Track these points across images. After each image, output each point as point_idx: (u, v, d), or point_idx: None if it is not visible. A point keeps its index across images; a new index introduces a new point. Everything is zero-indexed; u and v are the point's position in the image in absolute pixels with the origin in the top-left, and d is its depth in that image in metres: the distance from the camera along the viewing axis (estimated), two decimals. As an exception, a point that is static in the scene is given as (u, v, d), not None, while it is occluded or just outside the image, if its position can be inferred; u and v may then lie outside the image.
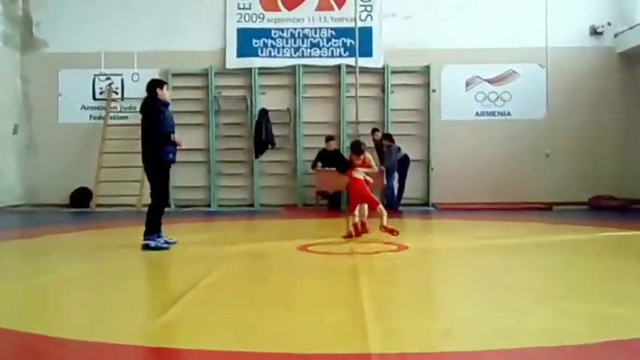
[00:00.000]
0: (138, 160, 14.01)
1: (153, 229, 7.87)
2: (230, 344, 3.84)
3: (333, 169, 13.39)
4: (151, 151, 7.88)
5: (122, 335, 4.01)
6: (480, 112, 14.65)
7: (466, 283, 5.97)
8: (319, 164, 13.64)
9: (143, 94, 14.19)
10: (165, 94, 8.12)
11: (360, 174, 8.90)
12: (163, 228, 8.06)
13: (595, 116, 14.35)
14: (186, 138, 14.23)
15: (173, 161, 8.07)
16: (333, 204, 13.88)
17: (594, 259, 7.27)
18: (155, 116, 7.87)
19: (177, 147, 8.04)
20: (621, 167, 14.20)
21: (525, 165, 14.35)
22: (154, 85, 8.15)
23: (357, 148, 9.11)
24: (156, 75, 14.62)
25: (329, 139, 13.90)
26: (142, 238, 7.84)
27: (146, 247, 7.74)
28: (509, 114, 14.61)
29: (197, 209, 14.31)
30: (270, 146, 14.32)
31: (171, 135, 7.93)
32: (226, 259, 7.20)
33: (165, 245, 7.86)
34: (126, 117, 14.85)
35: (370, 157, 9.44)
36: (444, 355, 3.67)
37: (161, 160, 7.89)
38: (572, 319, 4.42)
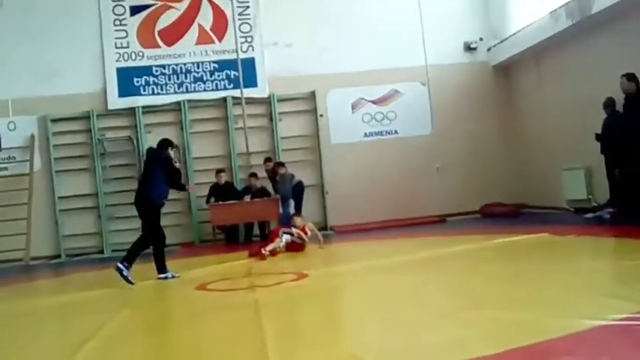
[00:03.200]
0: (22, 212, 13.69)
1: (163, 264, 8.63)
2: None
3: (228, 202, 13.30)
4: (153, 195, 8.64)
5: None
6: (368, 133, 14.88)
7: (368, 305, 5.93)
8: (212, 199, 13.45)
9: (21, 143, 14.00)
10: (173, 153, 8.99)
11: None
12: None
13: (478, 127, 14.86)
14: (71, 184, 14.08)
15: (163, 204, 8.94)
16: (231, 237, 13.68)
17: (489, 265, 7.45)
18: (173, 164, 8.86)
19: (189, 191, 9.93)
20: (508, 174, 14.76)
21: (417, 181, 14.65)
22: (166, 145, 8.93)
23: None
24: (34, 122, 14.11)
25: (219, 171, 13.76)
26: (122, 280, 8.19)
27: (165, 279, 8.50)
28: (396, 132, 14.91)
29: (89, 257, 13.74)
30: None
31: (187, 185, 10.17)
32: (122, 307, 6.90)
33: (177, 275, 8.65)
34: (5, 168, 14.10)
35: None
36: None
37: (160, 204, 8.80)
38: (473, 329, 4.47)
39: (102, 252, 14.07)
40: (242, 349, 4.51)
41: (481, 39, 15.04)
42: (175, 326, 5.75)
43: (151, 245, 8.69)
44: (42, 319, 6.72)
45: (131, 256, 8.42)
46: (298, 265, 8.39)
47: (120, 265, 8.25)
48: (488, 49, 14.94)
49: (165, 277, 8.52)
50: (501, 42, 14.43)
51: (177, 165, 9.19)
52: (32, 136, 14.11)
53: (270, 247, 10.17)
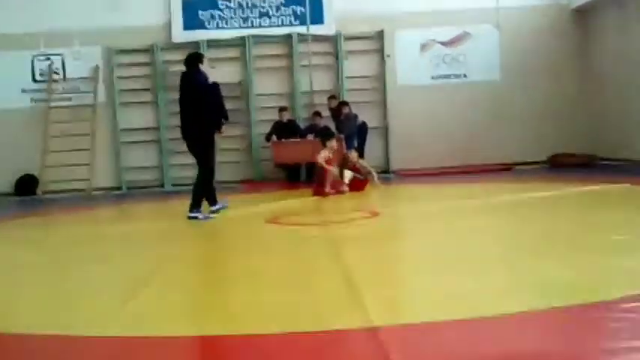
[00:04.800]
0: (85, 142, 13.74)
1: (200, 202, 7.82)
2: (221, 328, 3.45)
3: (290, 140, 13.10)
4: (204, 126, 7.84)
5: (89, 326, 3.56)
6: (436, 76, 14.41)
7: (453, 244, 5.63)
8: (274, 137, 13.24)
9: (85, 73, 13.98)
10: (206, 68, 7.94)
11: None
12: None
13: (551, 74, 14.23)
14: (134, 116, 14.04)
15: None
16: (292, 176, 13.51)
17: (573, 213, 7.11)
18: (212, 88, 7.83)
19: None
20: (580, 123, 14.15)
21: (484, 127, 14.16)
22: (195, 59, 7.92)
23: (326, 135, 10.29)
24: (99, 53, 14.04)
25: (282, 109, 13.52)
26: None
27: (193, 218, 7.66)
28: (465, 76, 14.40)
29: (150, 190, 13.76)
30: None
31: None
32: (190, 237, 6.79)
33: (212, 216, 7.84)
34: (70, 98, 14.10)
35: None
36: (455, 322, 3.33)
37: (212, 134, 7.99)
38: (577, 271, 4.18)
39: (162, 185, 14.07)
40: (326, 281, 4.32)
41: (562, -21, 14.28)
42: (253, 258, 5.54)
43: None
44: (106, 246, 6.64)
45: (196, 201, 7.81)
46: (368, 204, 8.16)
47: (191, 215, 7.68)
48: (569, -9, 14.19)
49: (196, 217, 7.69)
50: (584, -17, 13.66)
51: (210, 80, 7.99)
52: (96, 67, 14.04)
53: (329, 187, 9.92)
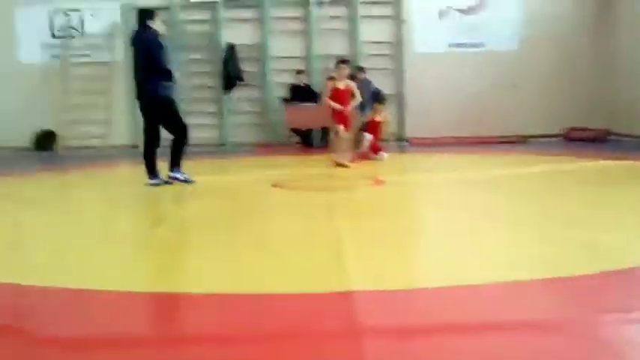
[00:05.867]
0: (103, 99, 13.88)
1: (177, 162, 7.65)
2: (208, 286, 3.59)
3: (305, 104, 13.13)
4: (150, 89, 7.39)
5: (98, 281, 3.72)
6: (453, 44, 14.30)
7: (447, 217, 5.71)
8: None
9: (104, 30, 14.08)
10: (159, 25, 7.53)
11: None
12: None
13: (568, 45, 14.02)
14: None
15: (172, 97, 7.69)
16: (306, 141, 13.58)
17: (579, 187, 7.14)
18: (158, 49, 7.33)
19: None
20: (596, 97, 13.99)
21: (500, 98, 14.06)
22: (145, 17, 7.49)
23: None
24: (117, 10, 14.09)
25: (299, 72, 13.55)
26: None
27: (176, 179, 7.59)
28: (482, 45, 14.28)
29: (165, 149, 13.86)
30: (238, 82, 13.89)
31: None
32: (197, 197, 6.93)
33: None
34: (88, 55, 14.23)
35: (354, 85, 9.49)
36: (432, 290, 3.44)
37: (166, 96, 7.49)
38: (565, 247, 4.26)
39: (177, 145, 14.17)
40: (318, 250, 4.42)
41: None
42: (249, 220, 5.69)
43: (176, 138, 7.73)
44: (117, 205, 6.82)
45: (174, 160, 7.68)
46: (374, 172, 8.21)
47: (171, 175, 7.61)
48: (590, -41, 13.93)
49: (176, 178, 7.60)
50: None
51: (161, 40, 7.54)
52: (115, 24, 14.11)
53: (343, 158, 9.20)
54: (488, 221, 5.30)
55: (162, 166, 7.65)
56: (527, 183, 7.58)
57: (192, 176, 7.76)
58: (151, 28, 7.45)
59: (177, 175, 7.64)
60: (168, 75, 7.42)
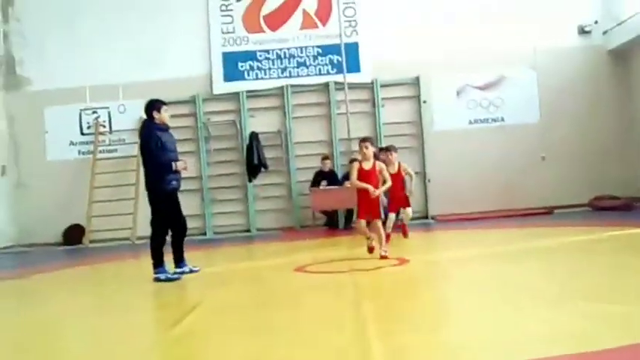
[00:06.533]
0: (130, 192, 14.14)
1: (158, 260, 7.39)
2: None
3: (329, 187, 13.22)
4: (151, 180, 7.41)
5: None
6: (473, 120, 14.44)
7: (475, 293, 5.65)
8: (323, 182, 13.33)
9: (131, 125, 14.47)
10: (163, 116, 7.56)
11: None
12: (186, 256, 7.75)
13: (590, 116, 14.15)
14: None
15: (176, 189, 7.63)
16: (331, 222, 13.63)
17: (602, 258, 7.03)
18: (152, 142, 7.33)
19: (181, 171, 7.63)
20: (620, 166, 13.96)
21: (523, 170, 14.09)
22: (150, 108, 7.60)
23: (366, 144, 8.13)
24: (142, 105, 14.47)
25: (325, 158, 13.72)
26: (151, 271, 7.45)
27: (157, 280, 7.33)
28: (502, 119, 14.41)
29: (192, 238, 14.00)
30: (263, 169, 14.09)
31: (173, 163, 7.42)
32: (223, 284, 6.95)
33: (175, 276, 7.42)
34: (115, 150, 14.64)
35: (383, 166, 8.43)
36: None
37: (162, 190, 7.40)
38: (585, 321, 4.17)
39: (204, 234, 14.32)
40: (341, 331, 4.38)
41: (596, 22, 14.25)
42: (272, 306, 5.67)
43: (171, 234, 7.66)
44: (143, 294, 6.86)
45: (155, 260, 7.43)
46: (399, 251, 8.17)
47: (155, 277, 7.37)
48: (604, 33, 14.13)
49: (158, 279, 7.32)
50: (619, 25, 13.60)
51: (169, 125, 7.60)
52: (141, 119, 14.43)
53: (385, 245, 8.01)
54: (518, 297, 5.22)
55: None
56: (549, 254, 7.52)
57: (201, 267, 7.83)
58: (153, 119, 7.52)
59: (185, 269, 7.59)
60: (167, 169, 7.38)
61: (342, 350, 3.94)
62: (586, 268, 6.49)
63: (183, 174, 7.44)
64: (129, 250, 12.53)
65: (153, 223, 7.58)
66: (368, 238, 8.12)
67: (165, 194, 7.49)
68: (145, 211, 13.90)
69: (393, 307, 5.26)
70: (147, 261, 9.88)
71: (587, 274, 6.12)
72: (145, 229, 13.93)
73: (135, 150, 14.35)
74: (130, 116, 14.46)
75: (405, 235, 9.99)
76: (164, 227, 7.56)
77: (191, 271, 7.64)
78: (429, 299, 5.71)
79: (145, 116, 7.87)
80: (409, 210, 9.85)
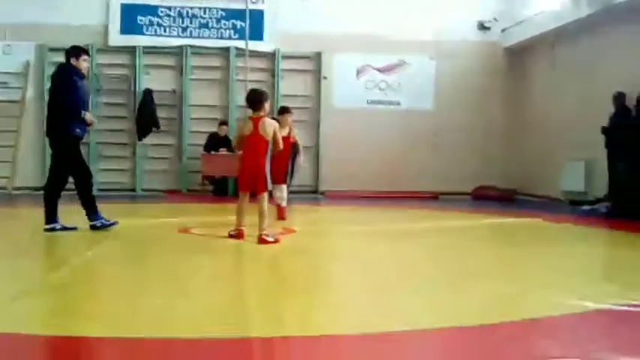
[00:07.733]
0: (9, 139, 13.37)
1: (93, 208, 7.19)
2: (104, 330, 3.39)
3: (221, 152, 13.03)
4: (57, 125, 7.07)
5: None
6: (370, 101, 14.60)
7: (353, 265, 5.76)
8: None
9: (16, 69, 13.68)
10: (81, 64, 7.24)
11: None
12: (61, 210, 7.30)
13: (481, 108, 14.62)
14: None
15: (80, 137, 7.25)
16: (220, 190, 13.45)
17: (482, 242, 7.36)
18: (67, 85, 7.05)
19: (89, 126, 7.33)
20: (505, 159, 14.56)
21: (413, 155, 14.41)
22: (70, 53, 7.27)
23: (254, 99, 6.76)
24: (31, 49, 13.75)
25: (222, 123, 13.52)
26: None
27: (93, 228, 7.13)
28: (399, 103, 14.64)
29: (73, 192, 13.45)
30: (154, 129, 13.70)
31: (83, 112, 7.07)
32: (100, 241, 6.69)
33: (109, 222, 7.20)
34: (-3, 93, 13.79)
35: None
36: (329, 337, 3.38)
37: (68, 134, 7.03)
38: (462, 295, 4.31)
39: (87, 189, 13.77)
40: (219, 296, 4.31)
41: (496, 19, 14.69)
42: (150, 263, 5.55)
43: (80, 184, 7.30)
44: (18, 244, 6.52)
45: (90, 209, 7.22)
46: (287, 222, 8.17)
47: (91, 224, 7.18)
48: (503, 30, 14.60)
49: (95, 226, 7.14)
50: (517, 24, 14.08)
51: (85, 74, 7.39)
52: (27, 63, 13.75)
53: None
54: (396, 272, 5.33)
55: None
56: (432, 236, 7.73)
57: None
58: (72, 65, 7.23)
59: (102, 222, 7.26)
60: (75, 114, 7.07)
61: (218, 311, 3.88)
62: (466, 251, 6.69)
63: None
64: (2, 198, 11.92)
65: (52, 171, 7.28)
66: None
67: (72, 139, 7.13)
68: (24, 162, 13.41)
69: (272, 271, 5.26)
70: (26, 211, 9.47)
71: (467, 256, 6.29)
72: (24, 179, 13.42)
73: (19, 96, 13.65)
74: (16, 59, 13.68)
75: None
76: (65, 175, 7.26)
77: (65, 229, 7.24)
78: (307, 267, 5.72)
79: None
80: (283, 187, 8.74)
